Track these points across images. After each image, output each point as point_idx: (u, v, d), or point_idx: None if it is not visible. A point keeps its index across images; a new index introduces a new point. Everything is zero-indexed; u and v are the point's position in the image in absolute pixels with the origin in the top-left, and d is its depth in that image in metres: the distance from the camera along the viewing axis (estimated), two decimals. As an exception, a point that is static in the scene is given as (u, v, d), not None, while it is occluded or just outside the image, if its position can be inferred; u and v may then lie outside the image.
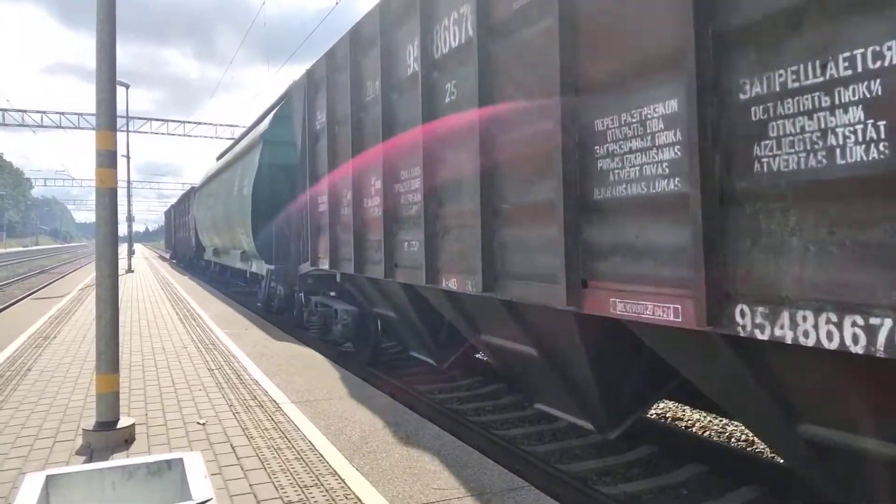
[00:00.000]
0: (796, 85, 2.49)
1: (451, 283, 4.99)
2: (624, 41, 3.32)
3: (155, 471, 2.57)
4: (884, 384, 2.47)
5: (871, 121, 2.24)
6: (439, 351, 6.93)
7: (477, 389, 7.82)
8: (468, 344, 6.75)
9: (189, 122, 42.63)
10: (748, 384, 3.05)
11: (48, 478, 2.41)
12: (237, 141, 17.89)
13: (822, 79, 2.40)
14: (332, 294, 9.67)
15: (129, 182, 30.95)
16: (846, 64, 2.32)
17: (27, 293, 19.50)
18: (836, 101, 2.36)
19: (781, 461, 5.49)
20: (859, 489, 2.98)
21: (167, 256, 44.41)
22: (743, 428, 6.08)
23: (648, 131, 3.18)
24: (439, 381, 8.16)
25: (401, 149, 5.87)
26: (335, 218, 7.84)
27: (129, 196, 31.91)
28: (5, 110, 38.69)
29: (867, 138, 2.26)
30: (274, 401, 5.61)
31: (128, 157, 28.04)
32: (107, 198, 4.62)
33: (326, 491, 3.62)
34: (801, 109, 2.47)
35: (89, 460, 4.15)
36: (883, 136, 2.21)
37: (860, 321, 2.28)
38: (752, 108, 2.66)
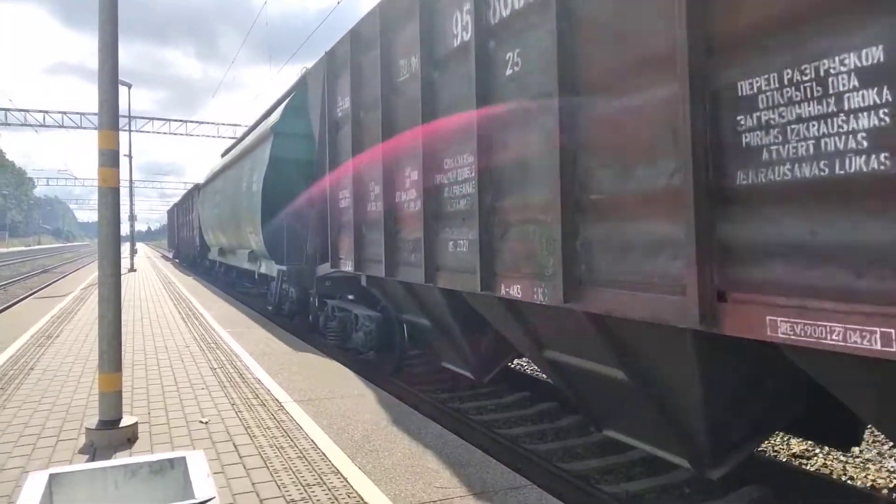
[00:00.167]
0: None
1: (514, 291, 4.27)
2: None
3: (158, 469, 2.58)
4: None
5: None
6: (480, 364, 6.19)
7: (526, 408, 6.93)
8: (511, 357, 6.30)
9: (191, 122, 42.71)
10: None
11: (51, 476, 2.41)
12: (245, 135, 17.09)
13: None
14: (351, 297, 9.19)
15: (131, 181, 31.01)
16: None
17: (30, 292, 19.54)
18: None
19: (783, 460, 5.50)
20: None
21: (170, 256, 44.40)
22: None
23: (831, 91, 2.46)
24: (481, 397, 7.46)
25: (445, 134, 5.19)
26: (360, 215, 7.11)
27: (131, 195, 32.00)
28: (8, 110, 38.75)
29: None
30: (276, 399, 5.62)
31: (130, 157, 28.06)
32: (109, 197, 4.63)
33: (329, 489, 3.62)
34: None
35: (92, 459, 4.16)
36: None
37: None
38: None
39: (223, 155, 21.17)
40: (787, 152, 2.61)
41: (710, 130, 2.90)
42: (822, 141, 2.49)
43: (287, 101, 11.54)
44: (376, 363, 8.41)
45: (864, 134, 2.36)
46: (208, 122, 42.54)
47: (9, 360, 7.42)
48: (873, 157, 2.33)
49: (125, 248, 28.74)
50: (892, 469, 5.20)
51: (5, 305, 15.49)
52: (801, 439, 5.87)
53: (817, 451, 5.66)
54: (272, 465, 4.03)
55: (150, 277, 22.49)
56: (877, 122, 2.32)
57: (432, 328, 6.48)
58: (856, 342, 2.36)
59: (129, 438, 4.49)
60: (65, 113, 39.66)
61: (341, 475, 3.84)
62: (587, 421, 5.28)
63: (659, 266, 3.16)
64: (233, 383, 6.25)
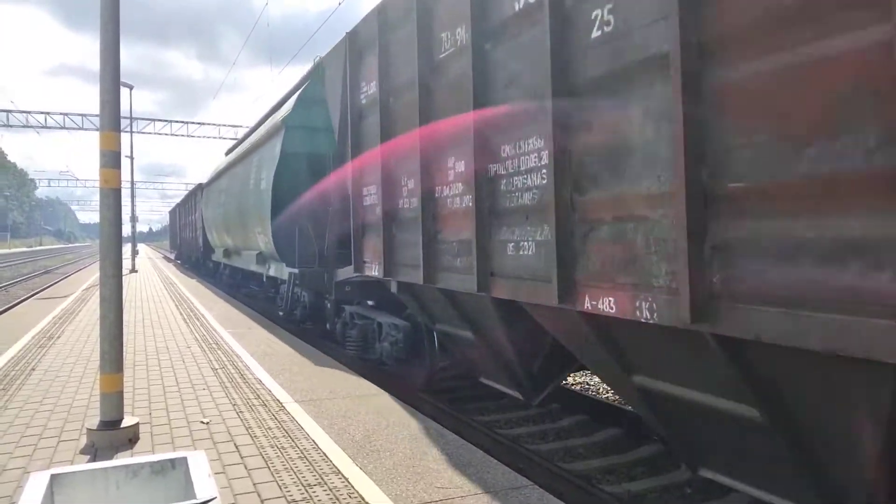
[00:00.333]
0: None
1: (605, 305, 3.48)
2: None
3: (159, 470, 2.58)
4: None
5: None
6: (531, 383, 5.43)
7: (588, 435, 6.15)
8: (565, 376, 5.73)
9: (192, 123, 42.71)
10: None
11: (52, 477, 2.42)
12: (252, 130, 16.01)
13: None
14: (371, 303, 8.42)
15: (132, 182, 31.04)
16: None
17: (31, 293, 19.56)
18: None
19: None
20: None
21: (172, 257, 44.36)
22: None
23: None
24: (531, 420, 6.70)
25: (502, 116, 4.46)
26: (391, 213, 6.29)
27: (132, 196, 32.02)
28: (9, 111, 38.82)
29: None
30: (277, 400, 5.62)
31: (131, 158, 28.10)
32: (111, 198, 4.64)
33: (330, 490, 3.63)
34: None
35: (93, 459, 4.16)
36: None
37: None
38: None
39: (228, 153, 20.45)
40: None
41: None
42: None
43: (299, 92, 10.89)
44: (402, 376, 7.57)
45: None
46: (210, 124, 42.58)
47: (11, 360, 7.43)
48: None
49: (126, 250, 28.77)
50: None
51: (7, 306, 15.52)
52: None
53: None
54: (273, 465, 4.03)
55: (151, 278, 22.51)
56: None
57: (476, 342, 5.64)
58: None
59: (131, 439, 4.49)
60: (66, 114, 39.73)
61: (342, 475, 3.84)
62: (677, 458, 4.56)
63: (856, 277, 2.33)
64: (234, 384, 6.25)
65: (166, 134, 42.52)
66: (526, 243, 4.24)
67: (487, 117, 4.60)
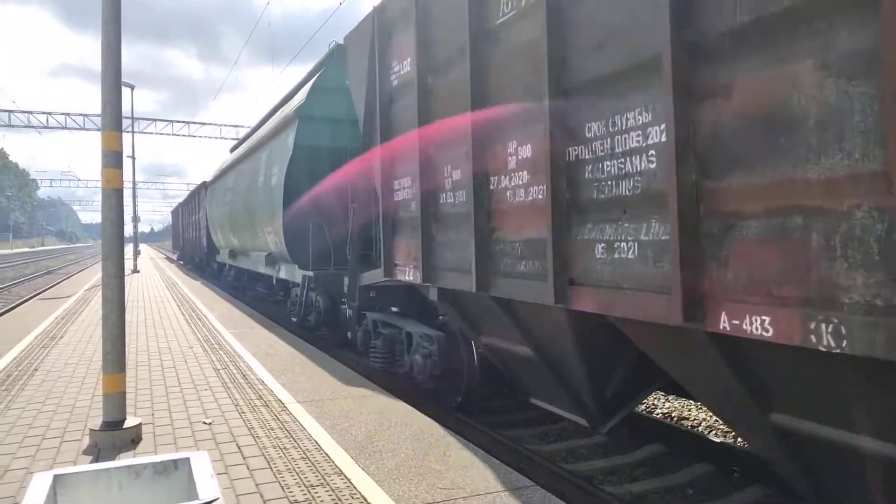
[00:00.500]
0: None
1: (757, 326, 2.66)
2: None
3: (161, 470, 2.58)
4: None
5: None
6: (600, 409, 4.66)
7: (676, 470, 5.16)
8: (641, 401, 5.13)
9: (194, 123, 42.82)
10: None
11: (56, 477, 2.42)
12: (260, 123, 15.01)
13: None
14: (395, 310, 7.71)
15: (134, 182, 31.09)
16: None
17: (34, 293, 19.59)
18: None
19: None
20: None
21: (174, 258, 44.33)
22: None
23: None
24: (601, 451, 5.71)
25: (591, 87, 3.63)
26: (430, 208, 5.51)
27: (134, 196, 32.08)
28: (11, 111, 38.89)
29: None
30: (280, 400, 5.62)
31: (133, 158, 28.14)
32: (113, 198, 4.64)
33: (332, 490, 3.63)
34: None
35: (96, 460, 4.17)
36: None
37: None
38: None
39: (233, 150, 19.89)
40: None
41: None
42: None
43: (314, 80, 10.16)
44: (435, 393, 6.81)
45: None
46: (211, 124, 42.67)
47: (13, 360, 7.44)
48: None
49: (128, 250, 28.78)
50: None
51: (10, 307, 15.54)
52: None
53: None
54: (276, 465, 4.03)
55: (153, 279, 22.53)
56: None
57: (535, 359, 4.84)
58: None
59: (133, 439, 4.49)
60: (68, 114, 39.80)
61: (345, 476, 3.84)
62: None
63: None
64: (236, 384, 6.25)
65: (168, 134, 42.59)
66: (623, 244, 3.41)
67: (568, 90, 3.79)
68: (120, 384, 4.61)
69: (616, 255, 3.47)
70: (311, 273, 9.53)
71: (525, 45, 4.19)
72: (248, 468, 3.99)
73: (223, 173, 17.80)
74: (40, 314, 12.18)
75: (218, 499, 2.25)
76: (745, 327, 2.73)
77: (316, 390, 6.00)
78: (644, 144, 3.28)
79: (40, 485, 2.32)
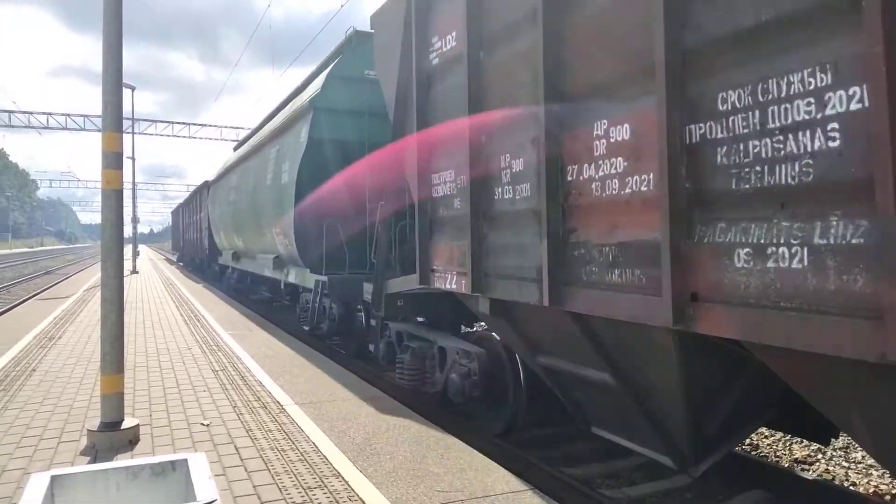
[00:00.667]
0: None
1: None
2: None
3: (159, 471, 2.58)
4: None
5: None
6: (692, 447, 3.85)
7: None
8: (742, 439, 4.65)
9: (194, 125, 42.85)
10: None
11: (53, 478, 2.42)
12: (268, 118, 14.08)
13: None
14: (421, 320, 7.00)
15: (134, 183, 31.09)
16: None
17: (32, 294, 19.57)
18: None
19: (786, 465, 5.48)
20: None
21: (174, 259, 44.25)
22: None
23: None
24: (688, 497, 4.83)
25: (730, 46, 2.82)
26: (482, 206, 4.73)
27: (134, 197, 32.08)
28: (12, 112, 38.92)
29: None
30: (278, 402, 5.62)
31: (133, 159, 28.15)
32: (113, 199, 4.64)
33: (330, 493, 3.62)
34: None
35: (94, 461, 4.16)
36: None
37: None
38: None
39: (236, 148, 19.35)
40: None
41: None
42: None
43: (329, 68, 9.43)
44: (470, 415, 6.15)
45: None
46: (211, 125, 42.74)
47: (11, 360, 7.43)
48: None
49: (127, 251, 28.72)
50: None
51: (8, 307, 15.52)
52: (802, 444, 5.86)
53: (819, 456, 5.65)
54: (273, 467, 4.02)
55: (152, 280, 22.51)
56: None
57: (616, 386, 4.01)
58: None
59: (131, 440, 4.49)
60: (68, 115, 39.84)
61: (342, 478, 3.84)
62: None
63: None
64: (234, 385, 6.25)
65: (168, 135, 42.63)
66: (783, 249, 2.62)
67: (692, 49, 2.98)
68: (118, 385, 4.60)
69: (770, 264, 2.66)
70: (324, 278, 8.84)
71: (616, 4, 3.41)
72: (245, 470, 3.99)
73: (227, 171, 17.11)
74: (39, 314, 12.17)
75: (216, 500, 2.24)
76: None
77: (314, 392, 5.99)
78: (813, 116, 2.49)
79: (37, 485, 2.32)
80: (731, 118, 2.84)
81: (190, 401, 5.67)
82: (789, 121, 2.59)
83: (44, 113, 39.55)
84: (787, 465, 5.51)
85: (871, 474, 5.24)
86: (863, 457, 5.51)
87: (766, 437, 6.13)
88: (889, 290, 2.17)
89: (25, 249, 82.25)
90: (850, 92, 2.34)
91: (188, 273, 27.87)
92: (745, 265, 2.77)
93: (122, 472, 2.56)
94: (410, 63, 5.70)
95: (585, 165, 3.69)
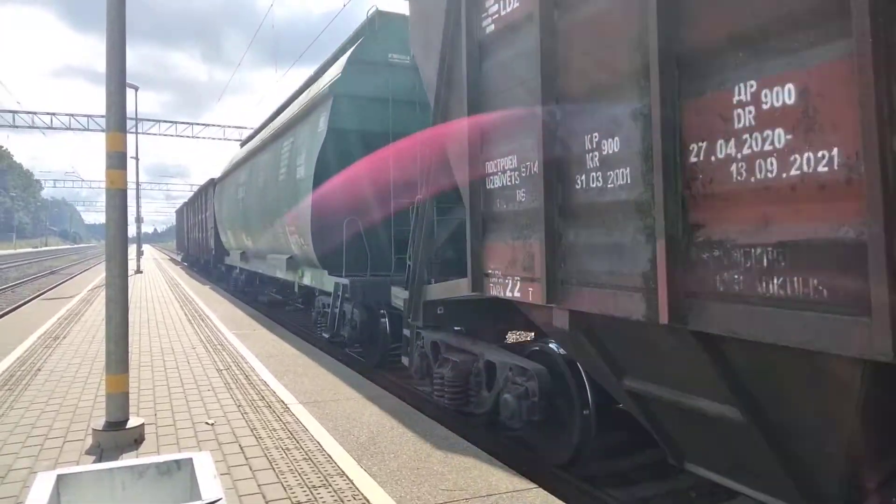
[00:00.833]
0: None
1: None
2: None
3: (165, 470, 2.59)
4: None
5: None
6: (844, 498, 3.07)
7: None
8: None
9: (197, 124, 42.94)
10: None
11: (59, 477, 2.42)
12: (280, 109, 13.18)
13: None
14: (458, 329, 6.17)
15: (137, 183, 31.12)
16: None
17: (37, 294, 19.63)
18: None
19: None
20: None
21: (178, 259, 44.26)
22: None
23: None
24: None
25: None
26: (558, 197, 3.86)
27: (137, 197, 32.11)
28: (16, 112, 39.03)
29: None
30: (282, 401, 5.63)
31: (137, 159, 28.19)
32: (117, 199, 4.65)
33: (335, 491, 3.63)
34: None
35: (99, 460, 4.17)
36: None
37: None
38: None
39: (243, 144, 18.79)
40: None
41: None
42: None
43: (350, 51, 8.67)
44: (515, 439, 5.51)
45: None
46: (214, 125, 42.83)
47: (16, 360, 7.46)
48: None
49: (131, 251, 28.73)
50: None
51: (13, 306, 15.58)
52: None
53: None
54: (278, 466, 4.03)
55: (156, 280, 22.56)
56: None
57: (743, 422, 3.14)
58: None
59: (136, 439, 4.50)
60: (72, 115, 39.95)
61: (347, 477, 3.84)
62: None
63: None
64: (239, 385, 6.26)
65: (171, 135, 42.72)
66: None
67: None
68: (123, 384, 4.62)
69: None
70: (345, 280, 8.11)
71: None
72: (250, 469, 3.99)
73: (235, 168, 16.43)
74: (43, 314, 12.20)
75: (221, 499, 2.25)
76: None
77: (319, 391, 6.00)
78: None
79: (43, 485, 2.33)
80: None
81: (194, 400, 5.68)
82: None
83: (48, 113, 39.70)
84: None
85: None
86: None
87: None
88: None
89: (30, 249, 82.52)
90: None
91: (193, 273, 27.88)
92: None
93: (127, 471, 2.57)
94: (459, 32, 4.95)
95: (720, 142, 2.86)
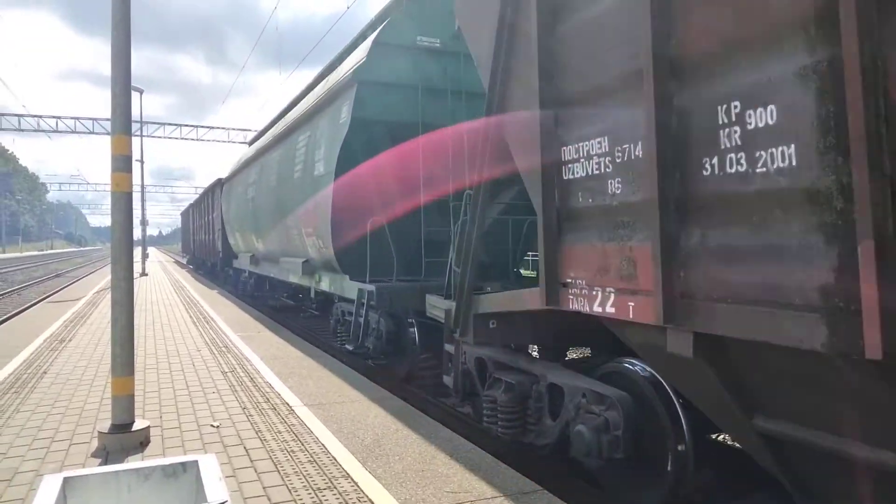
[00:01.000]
0: None
1: None
2: None
3: (170, 473, 2.59)
4: None
5: None
6: None
7: None
8: None
9: (202, 127, 43.09)
10: None
11: (65, 480, 2.43)
12: (294, 102, 12.23)
13: None
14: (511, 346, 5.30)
15: (143, 186, 31.23)
16: None
17: (43, 296, 19.70)
18: None
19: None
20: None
21: (184, 262, 44.29)
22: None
23: None
24: None
25: None
26: (674, 188, 3.01)
27: (143, 200, 32.21)
28: (21, 115, 39.22)
29: None
30: (287, 403, 5.63)
31: (142, 162, 28.28)
32: (122, 202, 4.67)
33: (340, 494, 3.63)
34: None
35: (105, 462, 4.18)
36: None
37: None
38: None
39: (251, 143, 18.27)
40: None
41: None
42: None
43: (376, 33, 7.82)
44: (589, 475, 4.68)
45: None
46: (219, 128, 42.99)
47: (23, 363, 7.48)
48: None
49: (137, 253, 28.78)
50: None
51: (19, 309, 15.63)
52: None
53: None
54: (283, 469, 4.03)
55: (161, 283, 22.61)
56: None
57: None
58: None
59: (142, 442, 4.51)
60: (77, 118, 40.16)
61: (352, 479, 3.84)
62: None
63: None
64: (244, 387, 6.27)
65: (176, 138, 42.87)
66: None
67: None
68: (129, 387, 4.63)
69: None
70: (370, 287, 7.29)
71: None
72: (255, 471, 4.00)
73: (245, 166, 15.56)
74: (49, 317, 12.25)
75: (226, 501, 2.25)
76: None
77: (324, 394, 6.00)
78: None
79: (50, 487, 2.33)
80: None
81: (200, 402, 5.69)
82: None
83: (53, 117, 39.89)
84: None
85: None
86: None
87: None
88: None
89: (36, 252, 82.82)
90: None
91: (199, 276, 27.85)
92: None
93: (133, 473, 2.57)
94: (518, 4, 4.23)
95: None
